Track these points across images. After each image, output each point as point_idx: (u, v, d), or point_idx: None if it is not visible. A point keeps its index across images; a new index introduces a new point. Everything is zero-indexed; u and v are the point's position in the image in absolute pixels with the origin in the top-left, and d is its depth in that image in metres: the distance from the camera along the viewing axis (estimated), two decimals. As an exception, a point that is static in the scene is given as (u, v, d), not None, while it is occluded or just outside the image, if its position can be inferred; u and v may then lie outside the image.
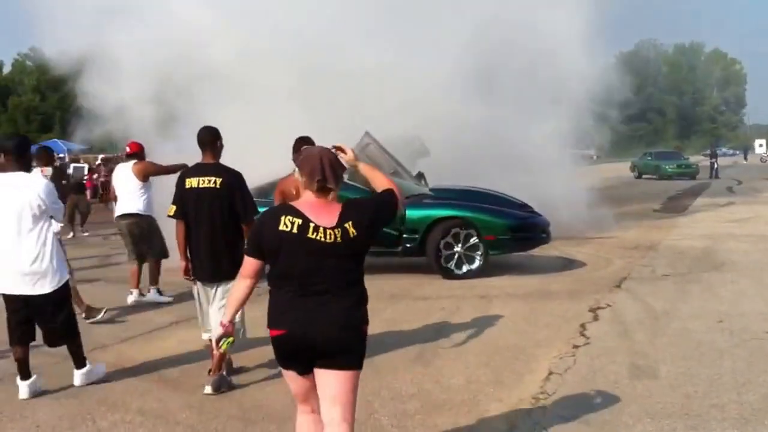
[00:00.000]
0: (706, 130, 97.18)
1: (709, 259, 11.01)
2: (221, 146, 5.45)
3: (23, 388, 5.11)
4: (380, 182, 3.48)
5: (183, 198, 5.30)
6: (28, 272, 4.96)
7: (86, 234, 16.14)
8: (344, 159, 3.44)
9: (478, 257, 9.73)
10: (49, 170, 6.04)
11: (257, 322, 7.03)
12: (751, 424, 4.41)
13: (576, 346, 6.21)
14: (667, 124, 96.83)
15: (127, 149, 8.61)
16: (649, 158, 41.58)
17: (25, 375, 5.13)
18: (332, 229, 3.16)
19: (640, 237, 13.89)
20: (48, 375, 5.58)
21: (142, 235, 8.22)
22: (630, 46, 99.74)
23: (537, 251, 11.00)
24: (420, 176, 12.77)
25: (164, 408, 4.85)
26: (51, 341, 5.27)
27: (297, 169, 3.35)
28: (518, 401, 4.85)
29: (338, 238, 3.15)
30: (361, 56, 13.88)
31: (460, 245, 9.68)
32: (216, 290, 5.27)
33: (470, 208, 10.05)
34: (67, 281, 5.23)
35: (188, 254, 5.35)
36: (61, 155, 20.77)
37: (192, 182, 5.29)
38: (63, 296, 5.17)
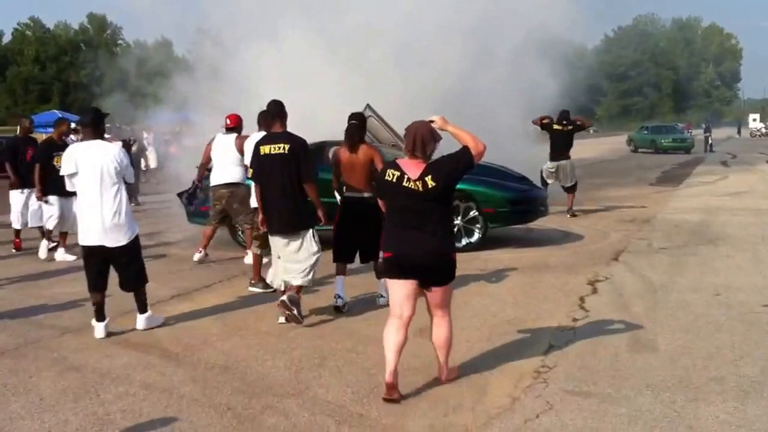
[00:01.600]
0: (702, 105, 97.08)
1: (704, 233, 11.07)
2: (286, 116, 6.32)
3: (99, 328, 5.85)
4: (462, 140, 4.48)
5: (259, 163, 6.16)
6: (109, 226, 5.70)
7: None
8: (436, 126, 4.49)
9: (477, 230, 9.75)
10: (119, 142, 6.49)
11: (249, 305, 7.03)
12: (750, 397, 4.45)
13: (576, 320, 6.25)
14: (663, 99, 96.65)
15: (228, 122, 8.80)
16: (645, 132, 41.60)
17: (101, 317, 5.87)
18: (416, 180, 4.38)
19: (636, 210, 13.94)
20: (49, 348, 5.62)
21: (241, 203, 8.58)
22: (629, 21, 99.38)
23: (534, 224, 11.04)
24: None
25: (168, 381, 4.85)
26: (125, 286, 6.03)
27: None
28: (520, 375, 4.87)
29: (420, 188, 4.36)
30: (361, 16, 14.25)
31: (459, 218, 9.69)
32: (299, 239, 6.12)
33: (469, 181, 9.96)
34: (138, 235, 5.96)
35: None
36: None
37: (266, 149, 6.13)
38: (136, 247, 5.96)
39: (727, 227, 11.52)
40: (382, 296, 6.80)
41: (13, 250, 10.12)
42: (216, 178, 8.73)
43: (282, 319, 6.17)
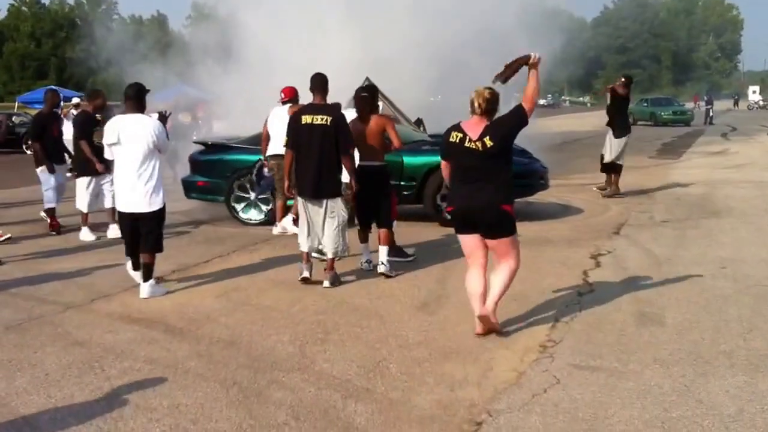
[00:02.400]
0: (701, 76, 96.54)
1: (707, 205, 11.03)
2: (328, 90, 6.65)
3: (135, 273, 6.50)
4: (529, 87, 4.91)
5: (297, 131, 6.47)
6: (145, 194, 6.18)
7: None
8: (534, 58, 4.89)
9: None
10: (155, 114, 6.62)
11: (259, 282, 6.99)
12: (760, 370, 4.43)
13: (580, 294, 6.22)
14: (662, 71, 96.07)
15: (282, 96, 8.90)
16: (645, 105, 41.40)
17: (137, 268, 6.47)
18: (476, 141, 4.82)
19: (636, 183, 13.87)
20: (53, 324, 5.58)
21: (283, 177, 8.56)
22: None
23: (534, 198, 10.97)
24: (419, 122, 12.65)
25: (172, 357, 4.82)
26: (144, 248, 6.34)
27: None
28: (526, 349, 4.85)
29: (480, 147, 4.81)
30: None
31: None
32: (326, 206, 6.50)
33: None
34: (165, 204, 6.40)
35: (291, 177, 6.72)
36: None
37: (307, 119, 6.42)
38: (162, 215, 6.41)
39: (729, 200, 11.48)
40: (382, 263, 6.81)
41: (52, 233, 9.43)
42: (270, 149, 8.93)
43: (306, 274, 6.60)
